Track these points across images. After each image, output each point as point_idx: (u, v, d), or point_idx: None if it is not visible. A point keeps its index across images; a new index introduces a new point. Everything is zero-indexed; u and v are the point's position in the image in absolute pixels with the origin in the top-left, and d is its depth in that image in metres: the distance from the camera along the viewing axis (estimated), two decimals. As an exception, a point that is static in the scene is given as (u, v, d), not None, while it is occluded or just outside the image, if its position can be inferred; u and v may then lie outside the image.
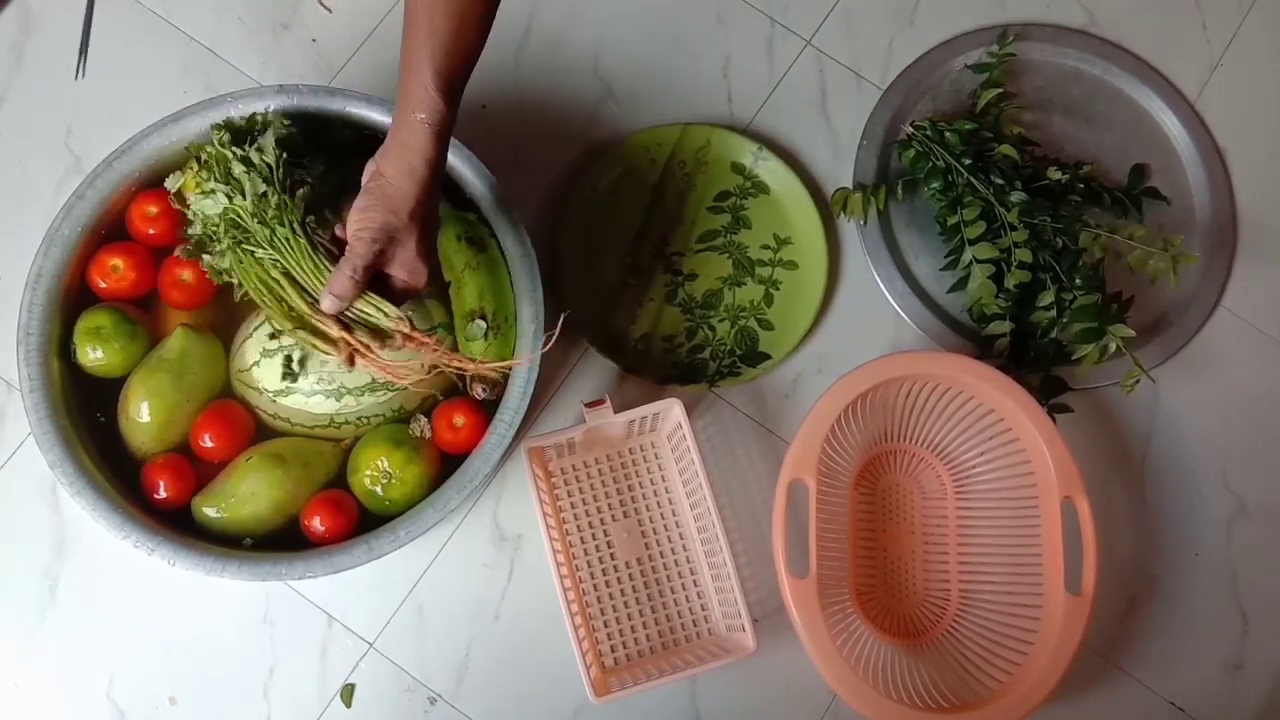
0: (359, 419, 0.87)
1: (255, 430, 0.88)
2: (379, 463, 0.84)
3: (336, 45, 1.07)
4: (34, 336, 0.83)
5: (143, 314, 0.89)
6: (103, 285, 0.87)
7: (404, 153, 0.71)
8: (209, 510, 0.83)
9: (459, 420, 0.87)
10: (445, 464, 0.87)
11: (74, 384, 0.86)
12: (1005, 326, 0.96)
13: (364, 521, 0.85)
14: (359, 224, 0.72)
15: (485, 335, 0.87)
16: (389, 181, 0.71)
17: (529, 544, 0.95)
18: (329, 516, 0.84)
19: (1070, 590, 0.85)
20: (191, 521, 0.85)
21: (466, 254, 0.89)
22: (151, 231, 0.88)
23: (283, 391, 0.85)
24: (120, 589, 0.93)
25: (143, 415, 0.84)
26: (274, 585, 0.93)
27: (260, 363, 0.85)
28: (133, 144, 0.87)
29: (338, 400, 0.85)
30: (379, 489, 0.84)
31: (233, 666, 0.92)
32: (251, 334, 0.86)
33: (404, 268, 0.74)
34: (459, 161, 0.88)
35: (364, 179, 0.74)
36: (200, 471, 0.86)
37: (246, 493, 0.83)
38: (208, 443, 0.85)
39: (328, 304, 0.73)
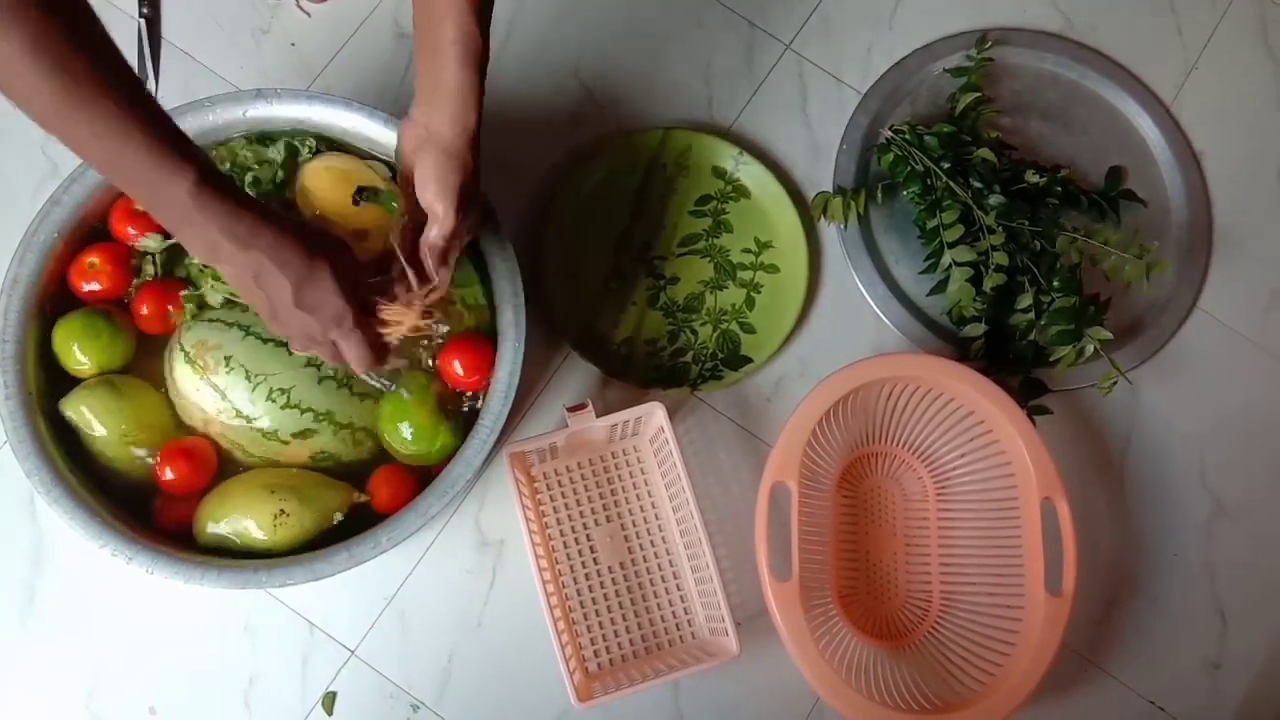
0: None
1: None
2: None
3: (316, 49, 1.07)
4: (10, 344, 0.82)
5: (123, 314, 0.88)
6: (84, 288, 0.87)
7: (447, 100, 0.68)
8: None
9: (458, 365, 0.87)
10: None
11: (52, 389, 0.85)
12: (979, 329, 0.97)
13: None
14: (438, 196, 0.70)
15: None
16: (445, 139, 0.68)
17: (511, 549, 0.95)
18: (389, 489, 0.85)
19: (1051, 591, 0.85)
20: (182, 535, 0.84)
21: None
22: (133, 231, 0.87)
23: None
24: (99, 598, 0.92)
25: (95, 430, 0.83)
26: (254, 593, 0.93)
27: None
28: (110, 149, 0.86)
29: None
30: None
31: (213, 675, 0.92)
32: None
33: (472, 216, 0.74)
34: (439, 166, 0.88)
35: (406, 139, 0.71)
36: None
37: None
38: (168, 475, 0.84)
39: (443, 277, 0.73)
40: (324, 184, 0.88)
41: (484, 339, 0.88)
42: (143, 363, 0.88)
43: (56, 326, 0.85)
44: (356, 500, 0.85)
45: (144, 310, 0.87)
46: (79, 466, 0.83)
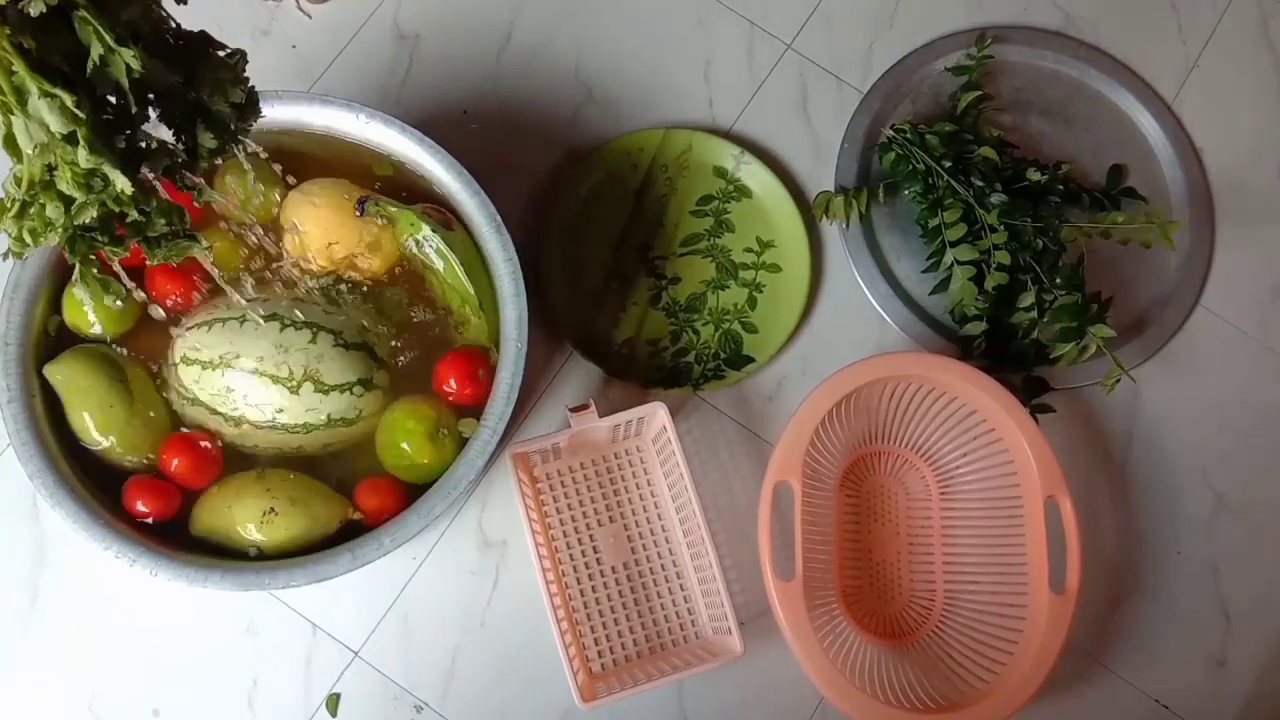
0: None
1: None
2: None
3: (317, 51, 1.07)
4: (12, 346, 0.82)
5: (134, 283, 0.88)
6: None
7: None
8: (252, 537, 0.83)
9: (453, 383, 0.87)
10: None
11: (54, 393, 0.85)
12: (980, 327, 0.96)
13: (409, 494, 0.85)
14: None
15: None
16: None
17: (514, 550, 0.95)
18: (376, 498, 0.85)
19: (1054, 589, 0.85)
20: (179, 532, 0.84)
21: (419, 255, 0.89)
22: None
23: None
24: (102, 601, 0.92)
25: (93, 433, 0.83)
26: (257, 595, 0.93)
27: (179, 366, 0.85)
28: (110, 152, 0.86)
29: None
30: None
31: (216, 677, 0.92)
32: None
33: None
34: (440, 166, 0.88)
35: None
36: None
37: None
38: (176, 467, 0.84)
39: None
40: (313, 213, 0.88)
41: (478, 353, 0.88)
42: (145, 333, 0.88)
43: (70, 286, 0.86)
44: (351, 516, 0.85)
45: (154, 289, 0.88)
46: (83, 469, 0.83)
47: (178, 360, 0.85)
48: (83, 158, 0.46)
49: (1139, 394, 1.03)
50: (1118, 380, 0.94)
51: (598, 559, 0.94)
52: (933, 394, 0.92)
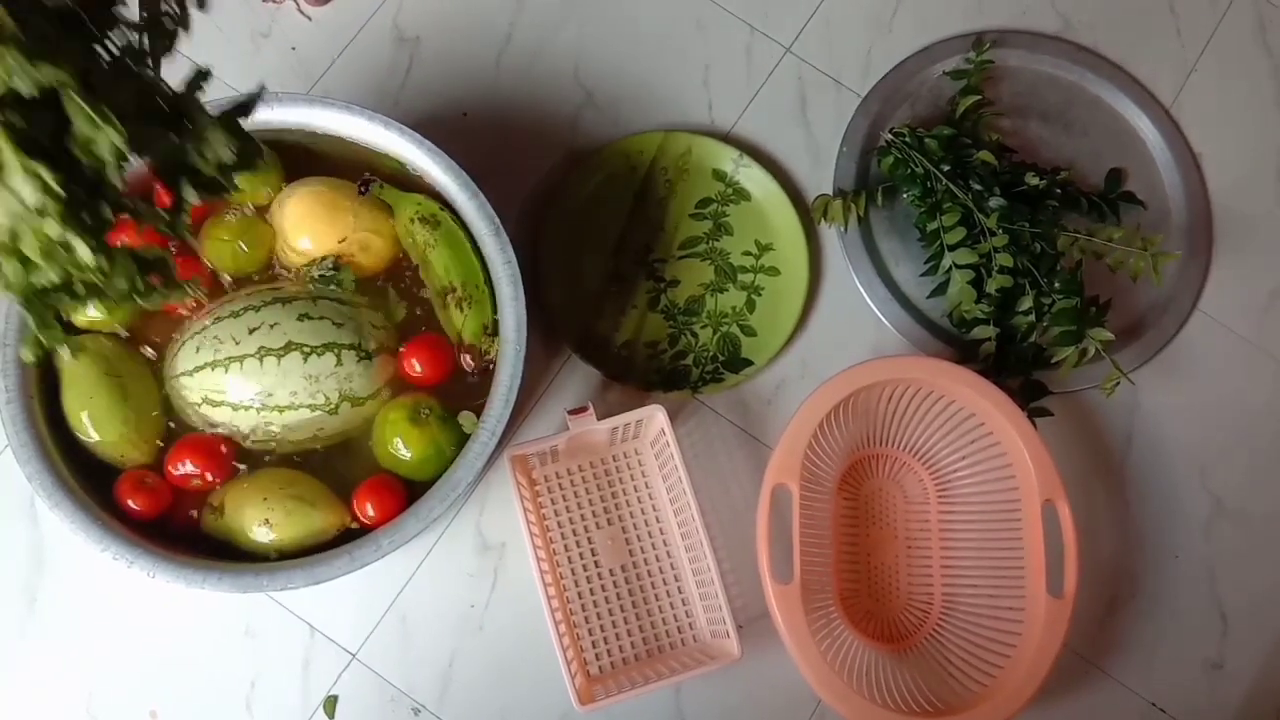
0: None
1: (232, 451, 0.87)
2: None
3: (316, 53, 1.07)
4: (11, 347, 0.82)
5: None
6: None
7: None
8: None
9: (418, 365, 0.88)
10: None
11: (53, 393, 0.85)
12: (990, 331, 0.96)
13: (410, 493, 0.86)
14: None
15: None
16: None
17: (513, 552, 0.95)
18: (378, 502, 0.84)
19: (1052, 593, 0.85)
20: (184, 530, 0.84)
21: (423, 233, 0.89)
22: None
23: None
24: (100, 601, 0.92)
25: (90, 433, 0.83)
26: (255, 596, 0.93)
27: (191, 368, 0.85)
28: (110, 153, 0.86)
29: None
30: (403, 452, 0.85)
31: (214, 678, 0.92)
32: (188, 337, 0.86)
33: None
34: (439, 168, 0.88)
35: None
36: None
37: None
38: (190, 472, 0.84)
39: None
40: (303, 212, 0.89)
41: (440, 335, 0.89)
42: (147, 327, 0.88)
43: None
44: (348, 524, 0.85)
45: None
46: (82, 470, 0.83)
47: (198, 401, 0.84)
48: (53, 230, 0.45)
49: (1137, 398, 1.03)
50: (1117, 383, 0.95)
51: (596, 561, 0.95)
52: (931, 397, 0.92)
